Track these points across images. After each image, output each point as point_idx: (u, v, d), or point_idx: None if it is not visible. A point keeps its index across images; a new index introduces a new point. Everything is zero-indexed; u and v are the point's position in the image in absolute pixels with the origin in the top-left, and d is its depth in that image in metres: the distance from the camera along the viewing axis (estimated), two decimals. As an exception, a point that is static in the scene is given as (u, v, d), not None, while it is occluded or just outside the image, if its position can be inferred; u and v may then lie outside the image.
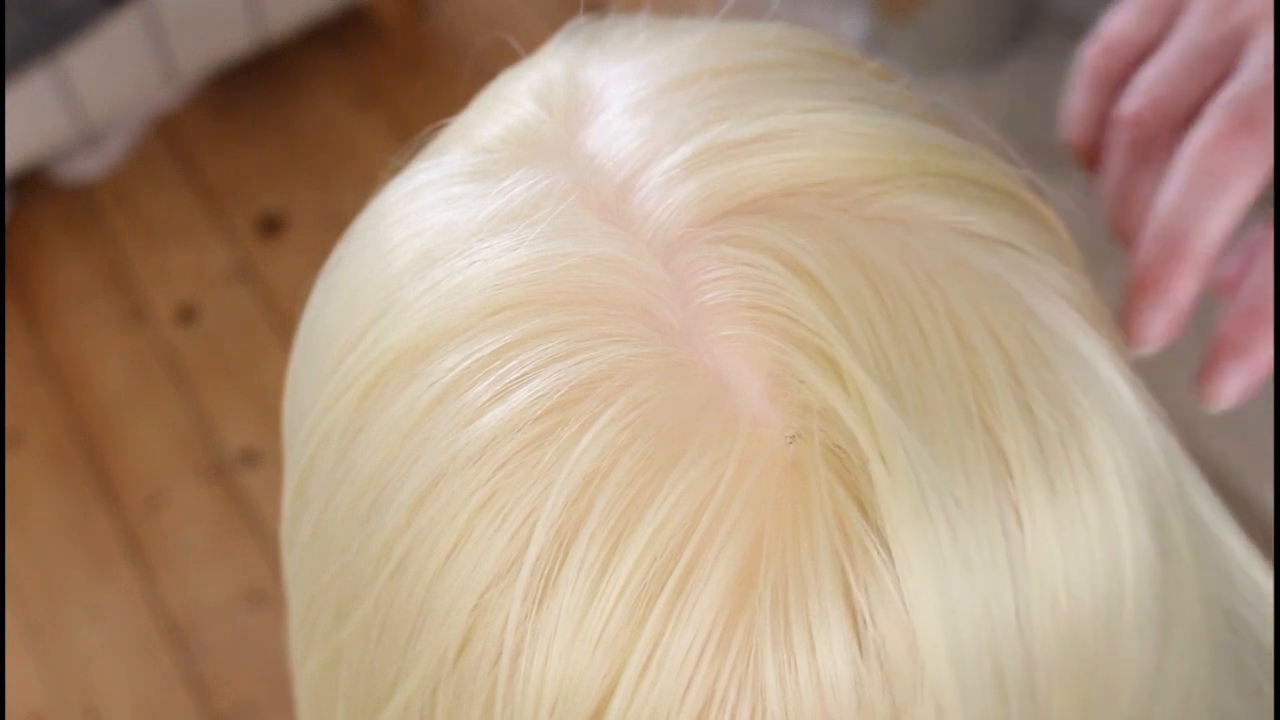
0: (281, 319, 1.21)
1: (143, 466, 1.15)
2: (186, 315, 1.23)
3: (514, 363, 0.38)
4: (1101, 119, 0.51)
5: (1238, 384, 0.46)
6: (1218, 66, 0.48)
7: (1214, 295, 0.46)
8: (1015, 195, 0.42)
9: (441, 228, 0.42)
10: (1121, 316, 0.46)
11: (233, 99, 1.33)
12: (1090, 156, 0.52)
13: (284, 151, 1.30)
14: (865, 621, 0.36)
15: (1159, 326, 0.46)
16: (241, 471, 1.14)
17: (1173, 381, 0.38)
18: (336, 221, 0.49)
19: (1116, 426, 0.40)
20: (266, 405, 1.14)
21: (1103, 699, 0.40)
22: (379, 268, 0.42)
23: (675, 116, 0.42)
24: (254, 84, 1.33)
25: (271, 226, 1.27)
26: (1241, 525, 1.02)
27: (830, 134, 0.41)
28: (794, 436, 0.37)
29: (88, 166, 1.29)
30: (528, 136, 0.43)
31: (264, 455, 1.14)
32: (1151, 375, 0.43)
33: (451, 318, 0.39)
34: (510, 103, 0.45)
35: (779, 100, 0.43)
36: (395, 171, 0.46)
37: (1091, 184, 0.50)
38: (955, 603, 0.36)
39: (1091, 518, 0.39)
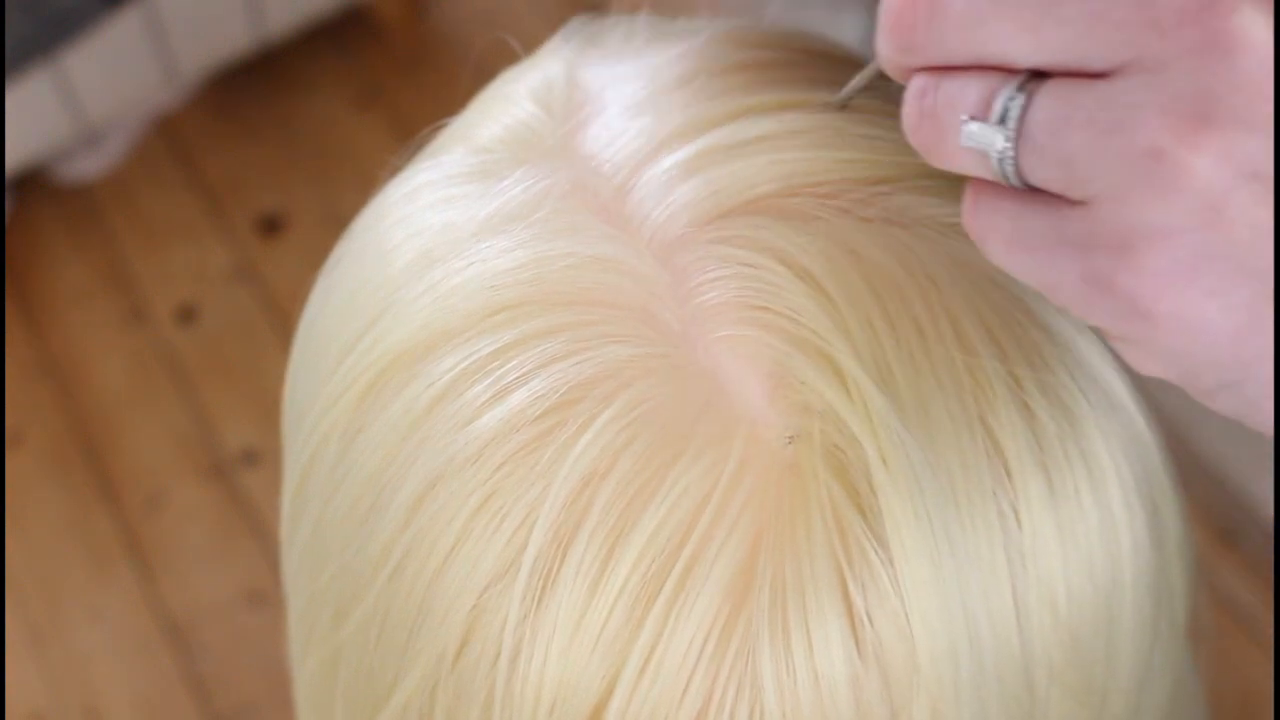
0: (281, 319, 1.20)
1: (143, 466, 1.15)
2: (186, 315, 1.22)
3: (513, 363, 0.38)
4: None
5: None
6: None
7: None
8: None
9: (440, 228, 0.42)
10: None
11: (233, 99, 1.33)
12: None
13: (284, 151, 1.30)
14: (863, 621, 0.36)
15: None
16: (241, 471, 1.14)
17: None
18: (336, 221, 0.49)
19: (1115, 425, 0.40)
20: (266, 405, 1.14)
21: (1100, 696, 0.40)
22: (378, 268, 0.42)
23: (674, 117, 0.42)
24: (254, 84, 1.33)
25: (271, 226, 1.26)
26: (1241, 525, 1.02)
27: (830, 135, 0.41)
28: (793, 437, 0.37)
29: (88, 166, 1.29)
30: (527, 137, 0.43)
31: (264, 455, 1.14)
32: (1151, 375, 0.43)
33: (450, 318, 0.39)
34: (510, 103, 0.45)
35: (778, 100, 0.43)
36: (395, 171, 0.46)
37: None
38: (953, 603, 0.36)
39: (1091, 517, 0.39)
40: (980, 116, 0.33)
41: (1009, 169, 0.33)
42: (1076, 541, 0.38)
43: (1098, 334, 0.41)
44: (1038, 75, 0.33)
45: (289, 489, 0.45)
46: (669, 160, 0.41)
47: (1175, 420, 0.97)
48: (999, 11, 0.32)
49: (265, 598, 1.07)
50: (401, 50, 1.34)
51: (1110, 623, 0.39)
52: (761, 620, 0.36)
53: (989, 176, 0.34)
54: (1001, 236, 0.34)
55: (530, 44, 0.48)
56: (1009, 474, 0.37)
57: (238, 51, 1.24)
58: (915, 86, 0.35)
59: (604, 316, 0.39)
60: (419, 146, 0.47)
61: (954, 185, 0.41)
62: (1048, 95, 0.32)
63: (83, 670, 1.07)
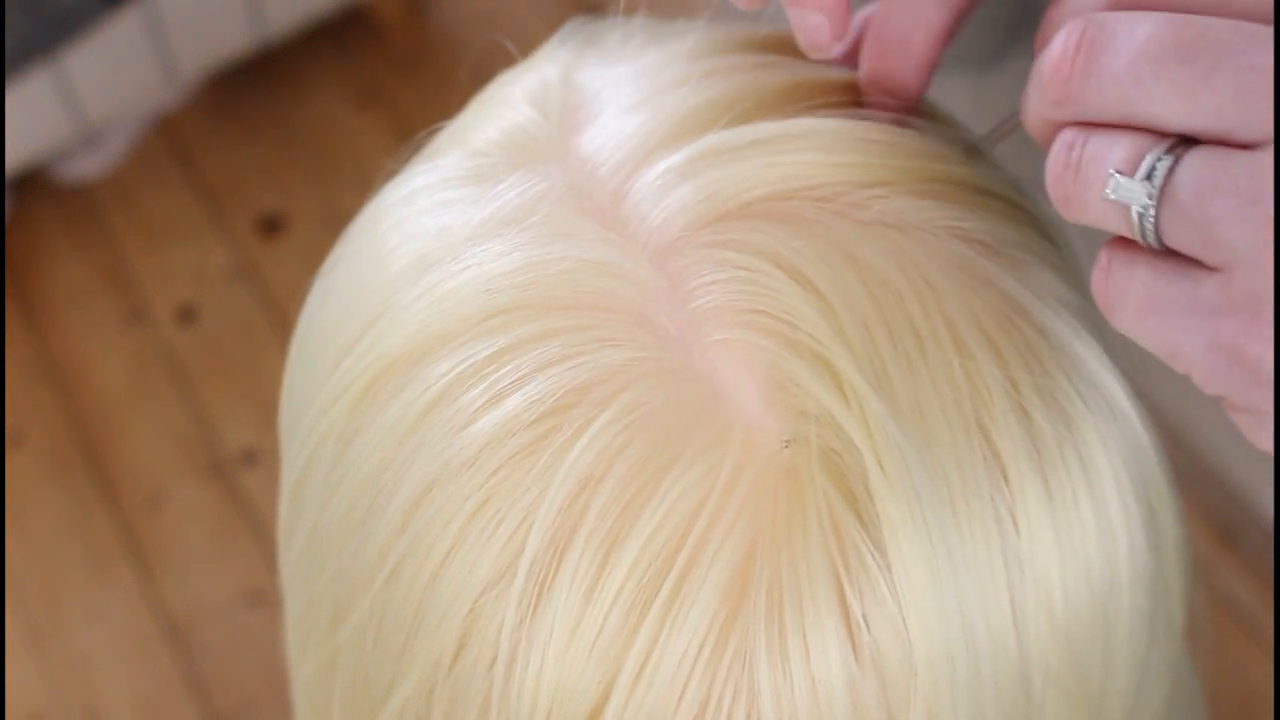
0: (281, 319, 1.20)
1: (143, 466, 1.15)
2: (186, 315, 1.22)
3: (508, 368, 0.38)
4: None
5: None
6: None
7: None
8: (1014, 201, 0.42)
9: (436, 232, 0.42)
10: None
11: (233, 99, 1.33)
12: None
13: (284, 151, 1.30)
14: (859, 626, 0.36)
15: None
16: (241, 471, 1.14)
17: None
18: (336, 221, 0.49)
19: (1112, 429, 0.40)
20: (266, 405, 1.13)
21: (1097, 699, 0.40)
22: (374, 272, 0.42)
23: (670, 120, 0.42)
24: (254, 84, 1.33)
25: (271, 226, 1.26)
26: (1241, 526, 1.02)
27: (827, 139, 0.41)
28: (789, 442, 0.37)
29: (88, 166, 1.29)
30: (523, 140, 0.43)
31: (264, 455, 1.14)
32: (1150, 377, 0.43)
33: (446, 323, 0.39)
34: (506, 106, 0.45)
35: (776, 104, 0.43)
36: (392, 174, 0.46)
37: None
38: (950, 607, 0.36)
39: (1088, 521, 0.39)
40: (1126, 173, 0.34)
41: (1149, 227, 0.34)
42: (1074, 546, 0.38)
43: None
44: (1185, 140, 0.33)
45: (286, 491, 0.45)
46: (665, 164, 0.41)
47: (1175, 421, 0.96)
48: (1157, 74, 0.33)
49: (265, 598, 1.07)
50: (401, 50, 1.34)
51: (1107, 626, 0.39)
52: (758, 625, 0.36)
53: (1125, 232, 0.35)
54: (1134, 298, 0.35)
55: (530, 44, 0.48)
56: (1006, 479, 0.37)
57: (238, 51, 1.24)
58: (1064, 139, 0.35)
59: (599, 320, 0.38)
60: (416, 149, 0.47)
61: (952, 190, 0.41)
62: (1195, 158, 0.33)
63: (83, 670, 1.07)
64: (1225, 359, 0.33)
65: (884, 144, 0.41)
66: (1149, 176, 0.34)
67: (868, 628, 0.36)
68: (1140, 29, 0.34)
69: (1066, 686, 0.39)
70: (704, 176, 0.40)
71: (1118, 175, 0.34)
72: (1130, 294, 0.35)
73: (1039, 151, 0.38)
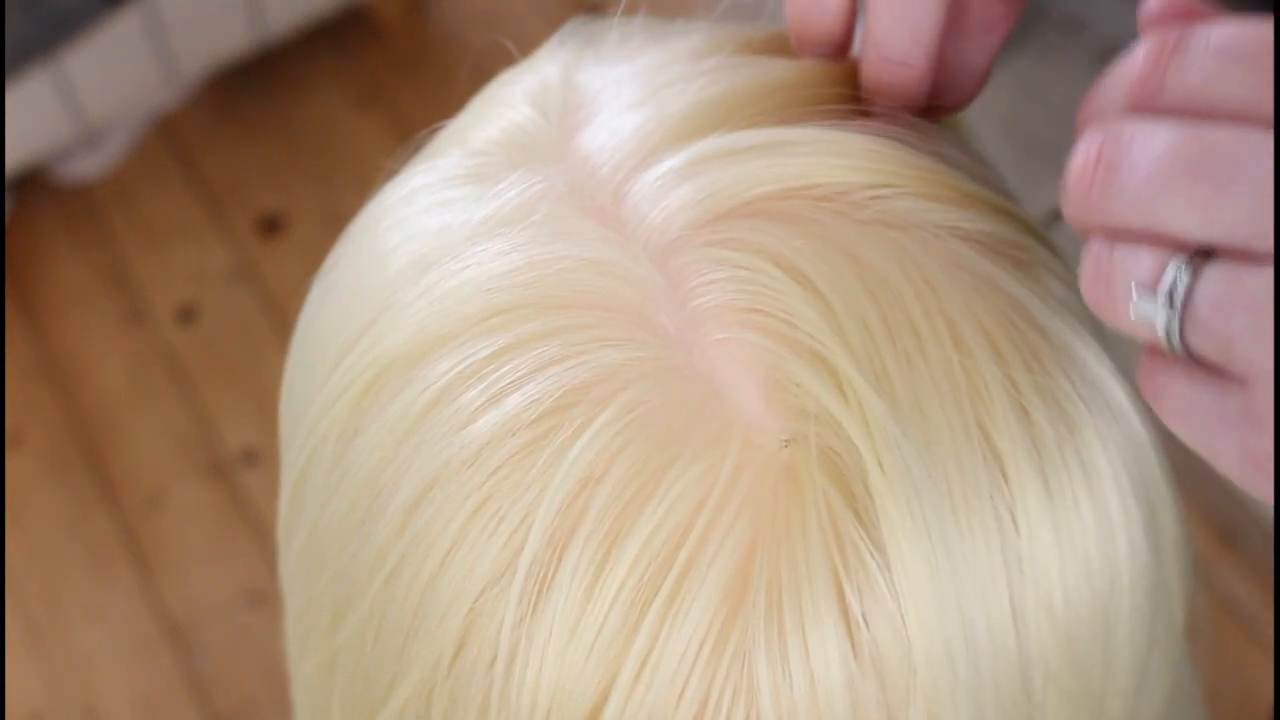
0: (281, 319, 1.20)
1: (143, 466, 1.15)
2: (186, 315, 1.23)
3: (508, 367, 0.38)
4: None
5: None
6: None
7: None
8: (1013, 211, 0.42)
9: (436, 231, 0.42)
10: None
11: (233, 99, 1.33)
12: None
13: (284, 151, 1.30)
14: (859, 625, 0.36)
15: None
16: (241, 471, 1.14)
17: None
18: (336, 222, 0.49)
19: (1113, 429, 0.40)
20: (266, 405, 1.14)
21: (1097, 699, 0.40)
22: (374, 271, 0.42)
23: (671, 120, 0.42)
24: (254, 84, 1.33)
25: (271, 226, 1.26)
26: (1241, 526, 1.02)
27: (829, 143, 0.41)
28: (789, 441, 0.37)
29: (88, 166, 1.29)
30: (522, 140, 0.43)
31: (264, 455, 1.14)
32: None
33: (446, 322, 0.39)
34: (505, 106, 0.45)
35: (778, 105, 0.43)
36: (391, 174, 0.46)
37: None
38: (950, 606, 0.36)
39: (1088, 521, 0.39)
40: (1150, 285, 0.34)
41: (1175, 340, 0.34)
42: (1074, 545, 0.38)
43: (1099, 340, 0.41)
44: (1206, 251, 0.34)
45: (285, 491, 0.45)
46: (665, 163, 0.41)
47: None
48: (1172, 187, 0.33)
49: (265, 598, 1.07)
50: (401, 50, 1.34)
51: (1107, 626, 0.39)
52: (757, 624, 0.36)
53: (1155, 343, 0.35)
54: (1170, 401, 0.36)
55: (530, 44, 0.48)
56: (1006, 478, 0.37)
57: (238, 51, 1.24)
58: (1092, 251, 0.36)
59: (599, 320, 0.38)
60: (416, 149, 0.47)
61: (956, 194, 0.41)
62: (1215, 271, 0.33)
63: (83, 670, 1.07)
64: (1254, 468, 0.34)
65: (887, 153, 0.41)
66: (1170, 292, 0.34)
67: (867, 626, 0.36)
68: (1155, 142, 0.34)
69: (1067, 686, 0.39)
70: (704, 176, 0.40)
71: (1139, 295, 0.34)
72: (1168, 397, 0.36)
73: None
